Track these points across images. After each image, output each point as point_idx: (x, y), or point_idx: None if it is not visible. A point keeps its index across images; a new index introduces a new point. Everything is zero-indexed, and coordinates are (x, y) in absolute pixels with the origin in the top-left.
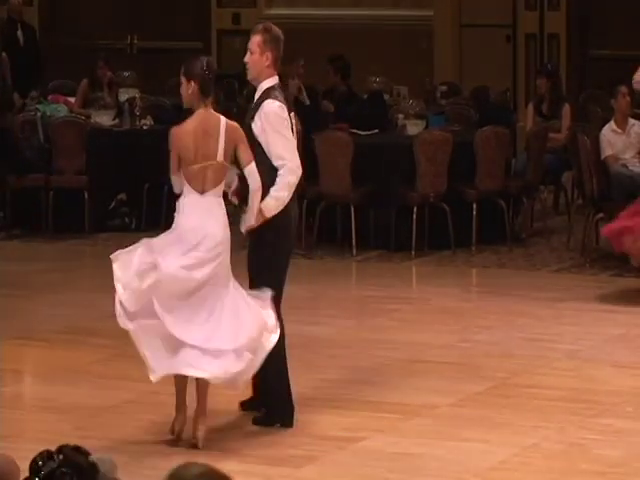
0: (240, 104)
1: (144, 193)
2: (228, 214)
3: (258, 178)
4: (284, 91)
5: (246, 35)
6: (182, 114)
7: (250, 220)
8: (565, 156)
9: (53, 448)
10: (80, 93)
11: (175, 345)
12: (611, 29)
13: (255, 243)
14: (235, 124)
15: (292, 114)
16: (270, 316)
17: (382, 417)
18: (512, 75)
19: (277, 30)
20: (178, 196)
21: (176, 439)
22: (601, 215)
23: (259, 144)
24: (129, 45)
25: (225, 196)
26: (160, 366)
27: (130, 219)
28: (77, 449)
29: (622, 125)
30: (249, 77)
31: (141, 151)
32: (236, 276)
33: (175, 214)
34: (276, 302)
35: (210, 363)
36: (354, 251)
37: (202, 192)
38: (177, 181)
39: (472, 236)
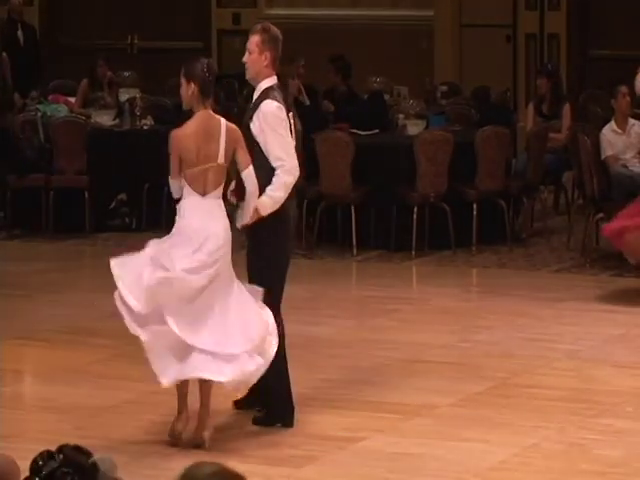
0: (240, 104)
1: (144, 193)
2: (227, 214)
3: (255, 181)
4: (283, 91)
5: (246, 35)
6: (182, 114)
7: (246, 217)
8: (565, 156)
9: (53, 448)
10: (80, 93)
11: (186, 350)
12: (611, 29)
13: (254, 243)
14: (234, 126)
15: (291, 114)
16: (270, 316)
17: (382, 417)
18: (512, 75)
19: (276, 30)
20: (178, 197)
21: (177, 440)
22: (601, 215)
23: (257, 144)
24: (129, 45)
25: (224, 197)
26: (171, 372)
27: (130, 219)
28: (77, 449)
29: (622, 125)
30: (248, 77)
31: (141, 151)
32: (236, 276)
33: (176, 217)
34: (276, 302)
35: (225, 367)
36: (354, 251)
37: (203, 194)
38: (177, 185)
39: (472, 236)
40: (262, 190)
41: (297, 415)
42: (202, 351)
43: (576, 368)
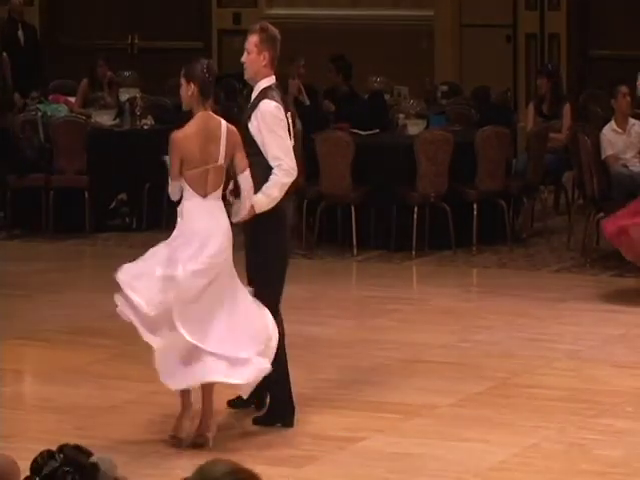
0: (240, 104)
1: (144, 193)
2: (227, 215)
3: (251, 184)
4: (281, 91)
5: (247, 35)
6: (182, 115)
7: (241, 213)
8: (566, 156)
9: (53, 448)
10: (80, 93)
11: (197, 354)
12: (611, 29)
13: (252, 243)
14: (234, 129)
15: (289, 114)
16: (270, 316)
17: (382, 417)
18: (512, 75)
19: (274, 30)
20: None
21: (180, 439)
22: (602, 215)
23: (256, 144)
24: (130, 45)
25: (223, 197)
26: (182, 378)
27: (130, 219)
28: (78, 448)
29: (622, 125)
30: (246, 77)
31: (142, 151)
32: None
33: (178, 219)
34: (275, 302)
35: (239, 370)
36: (354, 251)
37: (204, 195)
38: (177, 187)
39: (473, 236)
40: (259, 189)
41: (297, 415)
42: (213, 354)
43: (576, 368)
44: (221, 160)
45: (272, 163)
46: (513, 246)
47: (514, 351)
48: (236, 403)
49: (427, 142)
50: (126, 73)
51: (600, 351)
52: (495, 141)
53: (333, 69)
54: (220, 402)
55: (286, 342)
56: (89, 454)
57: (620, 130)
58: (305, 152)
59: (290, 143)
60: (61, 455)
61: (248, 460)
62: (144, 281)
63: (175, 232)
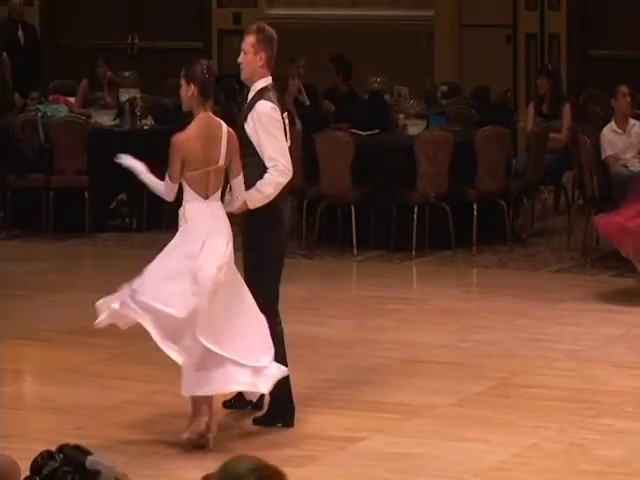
0: (240, 104)
1: (144, 193)
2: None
3: (243, 188)
4: (278, 91)
5: (243, 35)
6: (182, 115)
7: (233, 205)
8: (566, 156)
9: (53, 448)
10: (80, 93)
11: (219, 360)
12: (611, 29)
13: (247, 241)
14: (234, 133)
15: (286, 114)
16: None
17: (382, 417)
18: (512, 75)
19: (271, 30)
20: (179, 200)
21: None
22: (602, 215)
23: (252, 144)
24: (130, 45)
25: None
26: (205, 387)
27: (131, 219)
28: (78, 448)
29: (622, 125)
30: (243, 77)
31: (142, 151)
32: None
33: (180, 221)
34: (272, 301)
35: (259, 378)
36: (354, 251)
37: (206, 197)
38: (174, 188)
39: (473, 236)
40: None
41: (297, 415)
42: (236, 363)
43: (576, 368)
44: (222, 161)
45: (268, 164)
46: (513, 246)
47: (514, 351)
48: (232, 404)
49: (427, 142)
50: (126, 73)
51: (600, 351)
52: (495, 141)
53: (333, 69)
54: (216, 402)
55: (286, 342)
56: (89, 454)
57: (620, 130)
58: (305, 152)
59: (286, 144)
60: (61, 455)
61: None
62: (165, 287)
63: (179, 237)
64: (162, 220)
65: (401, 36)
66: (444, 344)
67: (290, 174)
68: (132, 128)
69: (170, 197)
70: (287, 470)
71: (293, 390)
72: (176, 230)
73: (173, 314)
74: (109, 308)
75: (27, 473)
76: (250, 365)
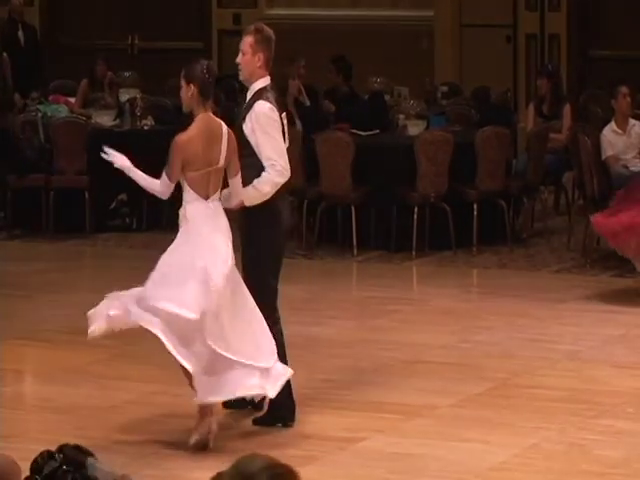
0: (240, 104)
1: (145, 194)
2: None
3: (241, 188)
4: (277, 92)
5: (241, 36)
6: (182, 116)
7: (231, 202)
8: (566, 156)
9: (53, 448)
10: (80, 93)
11: (228, 364)
12: (612, 29)
13: (245, 239)
14: (232, 132)
15: (284, 115)
16: None
17: (382, 417)
18: (513, 75)
19: (269, 31)
20: (179, 200)
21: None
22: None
23: (250, 145)
24: (130, 45)
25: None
26: (217, 392)
27: (131, 219)
28: (78, 448)
29: (623, 126)
30: (241, 78)
31: (142, 151)
32: None
33: (181, 222)
34: (271, 300)
35: (272, 382)
36: (355, 251)
37: (206, 197)
38: (171, 187)
39: (473, 236)
40: None
41: (297, 415)
42: (245, 366)
43: (576, 369)
44: (222, 162)
45: (265, 163)
46: (513, 246)
47: (514, 352)
48: (232, 404)
49: (427, 142)
50: (126, 73)
51: (600, 352)
52: (495, 141)
53: (333, 70)
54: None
55: (286, 342)
56: (89, 454)
57: (620, 131)
58: (305, 152)
59: (284, 144)
60: (61, 455)
61: None
62: (176, 290)
63: (181, 238)
64: (162, 220)
65: (401, 36)
66: (444, 344)
67: (288, 174)
68: (132, 128)
69: (165, 195)
70: None
71: (293, 390)
72: (176, 230)
73: (188, 316)
74: (103, 316)
75: (27, 473)
76: (258, 366)
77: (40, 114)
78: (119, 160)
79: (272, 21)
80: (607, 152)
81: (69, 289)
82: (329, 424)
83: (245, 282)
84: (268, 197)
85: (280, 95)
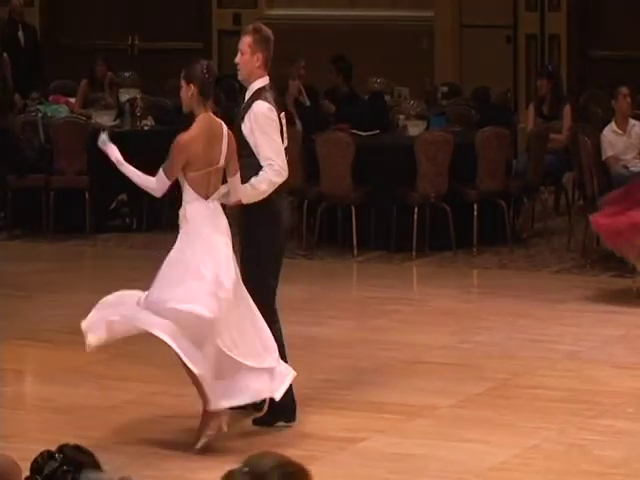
0: (240, 104)
1: (145, 194)
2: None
3: (239, 186)
4: (275, 91)
5: (240, 36)
6: (182, 116)
7: (229, 200)
8: (566, 157)
9: (53, 448)
10: (80, 93)
11: (237, 368)
12: (612, 30)
13: (245, 240)
14: (231, 132)
15: (282, 114)
16: None
17: (383, 418)
18: (513, 76)
19: (267, 30)
20: (179, 200)
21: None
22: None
23: (248, 145)
24: (130, 46)
25: None
26: (229, 397)
27: (131, 220)
28: (78, 448)
29: (623, 126)
30: (240, 78)
31: (142, 152)
32: None
33: (182, 223)
34: (270, 300)
35: (277, 384)
36: (355, 252)
37: (206, 197)
38: (167, 185)
39: (473, 237)
40: None
41: (298, 415)
42: (254, 369)
43: (576, 369)
44: (222, 162)
45: (263, 163)
46: (513, 247)
47: (514, 352)
48: None
49: (427, 143)
50: (126, 74)
51: (600, 352)
52: (495, 142)
53: (333, 70)
54: None
55: (287, 342)
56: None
57: (620, 131)
58: (305, 153)
59: (282, 144)
60: (61, 455)
61: None
62: (184, 290)
63: (182, 240)
64: (162, 220)
65: (401, 37)
66: (444, 345)
67: (285, 174)
68: (132, 129)
69: (159, 193)
70: None
71: (294, 390)
72: (176, 230)
73: (201, 313)
74: (102, 325)
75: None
76: (266, 368)
77: (40, 114)
78: (111, 151)
79: (272, 21)
80: (607, 152)
81: (69, 289)
82: (329, 424)
83: (244, 282)
84: (265, 196)
85: (280, 95)
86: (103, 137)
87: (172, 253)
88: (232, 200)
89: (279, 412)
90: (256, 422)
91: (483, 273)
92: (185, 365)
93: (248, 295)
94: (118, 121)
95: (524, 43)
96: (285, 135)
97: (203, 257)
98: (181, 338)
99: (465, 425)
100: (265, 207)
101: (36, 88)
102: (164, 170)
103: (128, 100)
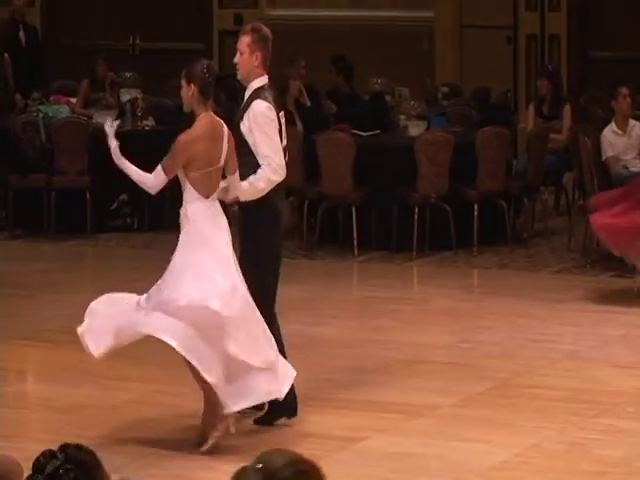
0: (240, 104)
1: (146, 194)
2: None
3: (238, 184)
4: (275, 91)
5: (239, 36)
6: (183, 116)
7: (227, 197)
8: (566, 157)
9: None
10: (81, 94)
11: (246, 369)
12: (612, 30)
13: (244, 240)
14: (230, 132)
15: (282, 113)
16: None
17: (384, 417)
18: (513, 76)
19: (266, 30)
20: (180, 200)
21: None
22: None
23: (247, 144)
24: (131, 46)
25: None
26: (240, 399)
27: (132, 220)
28: (79, 447)
29: (623, 126)
30: (239, 77)
31: (143, 152)
32: None
33: (183, 223)
34: (270, 301)
35: (282, 382)
36: (355, 252)
37: (207, 196)
38: (164, 182)
39: (473, 237)
40: None
41: (299, 414)
42: (262, 370)
43: (577, 368)
44: (222, 161)
45: (261, 161)
46: (514, 247)
47: (515, 351)
48: None
49: (428, 143)
50: (127, 74)
51: (600, 351)
52: (495, 142)
53: (334, 70)
54: None
55: (288, 342)
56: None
57: (620, 131)
58: (306, 153)
59: (281, 143)
60: (63, 454)
61: (249, 460)
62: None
63: (183, 245)
64: (163, 220)
65: (402, 37)
66: (445, 344)
67: (283, 173)
68: (133, 129)
69: (154, 190)
70: None
71: (294, 389)
72: (177, 230)
73: (213, 307)
74: (107, 332)
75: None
76: (271, 368)
77: (41, 114)
78: (111, 142)
79: (273, 22)
80: (607, 153)
81: (71, 289)
82: (330, 424)
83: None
84: (263, 193)
85: (279, 95)
86: (109, 122)
87: (177, 254)
88: (230, 196)
89: (281, 409)
90: (257, 422)
91: (483, 273)
92: (192, 367)
93: (249, 294)
94: (119, 121)
95: (524, 43)
96: (284, 134)
97: (207, 257)
98: (191, 342)
99: (466, 424)
100: (264, 207)
101: (37, 88)
102: (163, 167)
103: (129, 100)
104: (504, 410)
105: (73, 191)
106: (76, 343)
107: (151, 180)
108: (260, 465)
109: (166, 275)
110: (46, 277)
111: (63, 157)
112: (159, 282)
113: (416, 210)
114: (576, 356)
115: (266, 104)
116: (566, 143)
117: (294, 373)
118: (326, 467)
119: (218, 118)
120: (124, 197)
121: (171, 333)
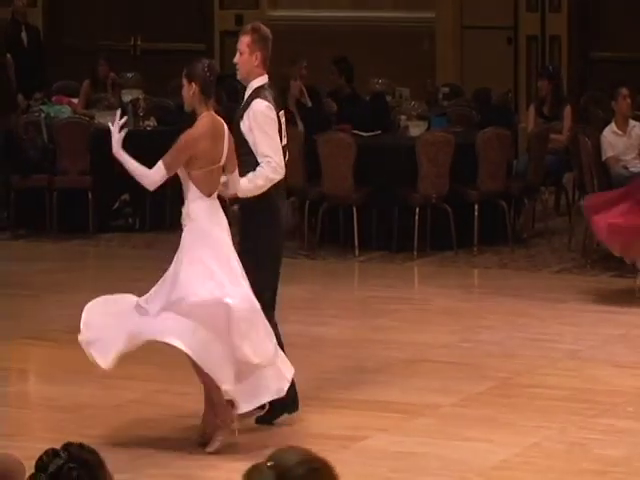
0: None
1: (147, 194)
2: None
3: (238, 182)
4: (275, 90)
5: (239, 36)
6: (184, 116)
7: (226, 193)
8: (566, 157)
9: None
10: (82, 94)
11: (251, 369)
12: (612, 31)
13: (244, 239)
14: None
15: (281, 113)
16: None
17: (385, 416)
18: (513, 77)
19: (266, 30)
20: (181, 199)
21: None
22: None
23: (247, 143)
24: (132, 46)
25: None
26: (251, 398)
27: (134, 219)
28: (82, 446)
29: (623, 127)
30: (239, 77)
31: (144, 152)
32: None
33: (185, 222)
34: (270, 302)
35: (281, 382)
36: (356, 252)
37: (209, 195)
38: (164, 178)
39: (474, 237)
40: None
41: (300, 414)
42: (267, 369)
43: (577, 368)
44: (223, 160)
45: (260, 160)
46: (514, 247)
47: (515, 351)
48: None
49: (428, 143)
50: (129, 74)
51: (601, 351)
52: (496, 142)
53: (335, 71)
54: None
55: (288, 342)
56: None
57: (620, 132)
58: (307, 153)
59: (281, 143)
60: (66, 453)
61: (249, 459)
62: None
63: (187, 240)
64: (165, 220)
65: (402, 38)
66: (446, 344)
67: (282, 172)
68: (135, 129)
69: (153, 186)
70: None
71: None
72: (179, 230)
73: (231, 305)
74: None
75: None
76: (278, 366)
77: (43, 115)
78: (114, 134)
79: (274, 22)
80: (607, 153)
81: (73, 289)
82: (331, 423)
83: None
84: (262, 191)
85: (281, 96)
86: (117, 117)
87: (181, 253)
88: (229, 193)
89: (283, 405)
90: (258, 420)
91: (484, 273)
92: (197, 367)
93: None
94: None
95: (525, 44)
96: (284, 133)
97: (211, 255)
98: (201, 346)
99: (466, 424)
100: (265, 207)
101: (39, 89)
102: (165, 164)
103: (130, 101)
104: (504, 409)
105: (75, 191)
106: (79, 343)
107: (151, 176)
108: (273, 463)
109: (170, 275)
110: (49, 277)
111: (65, 157)
112: (160, 282)
113: (417, 210)
114: (576, 356)
115: (266, 103)
116: (566, 143)
117: (292, 370)
118: None
119: (219, 117)
120: (126, 197)
121: (180, 336)
